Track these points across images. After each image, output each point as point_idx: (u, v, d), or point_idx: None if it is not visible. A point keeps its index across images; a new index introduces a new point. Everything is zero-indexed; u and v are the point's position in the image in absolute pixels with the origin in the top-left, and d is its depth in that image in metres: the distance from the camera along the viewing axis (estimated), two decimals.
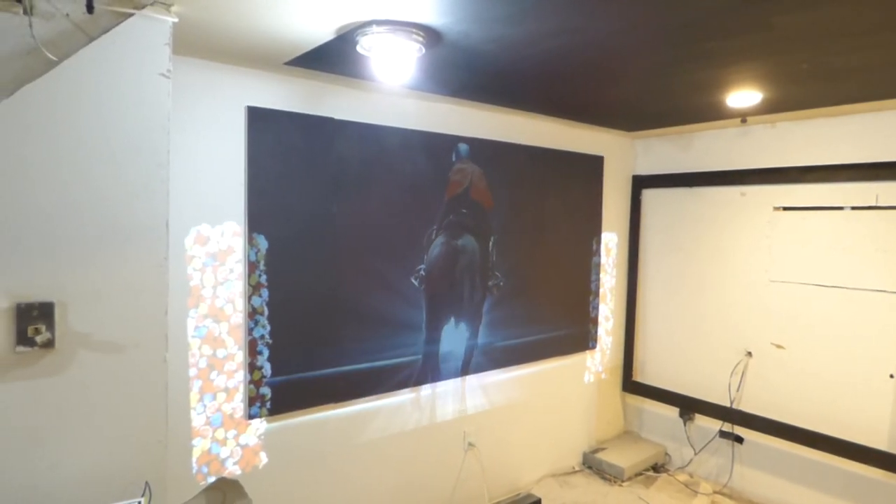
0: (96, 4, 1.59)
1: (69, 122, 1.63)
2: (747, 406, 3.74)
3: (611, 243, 4.33)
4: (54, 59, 1.58)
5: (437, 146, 3.17)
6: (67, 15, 1.60)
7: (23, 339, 1.57)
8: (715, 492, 3.82)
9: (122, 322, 1.74)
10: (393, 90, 2.93)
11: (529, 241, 3.71)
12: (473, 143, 3.34)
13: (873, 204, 3.19)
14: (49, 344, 1.60)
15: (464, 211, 3.32)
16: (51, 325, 1.60)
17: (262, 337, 2.61)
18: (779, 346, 3.60)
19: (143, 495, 1.76)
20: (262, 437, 2.66)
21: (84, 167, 1.66)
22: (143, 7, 1.71)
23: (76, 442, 1.68)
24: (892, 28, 1.95)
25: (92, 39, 1.65)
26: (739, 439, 3.81)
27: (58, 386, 1.64)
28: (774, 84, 2.70)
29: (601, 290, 4.25)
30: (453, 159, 3.26)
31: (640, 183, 4.38)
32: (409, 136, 3.06)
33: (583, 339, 4.13)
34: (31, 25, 1.54)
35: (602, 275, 4.25)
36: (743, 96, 2.89)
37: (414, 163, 3.09)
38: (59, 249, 1.63)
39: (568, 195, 3.92)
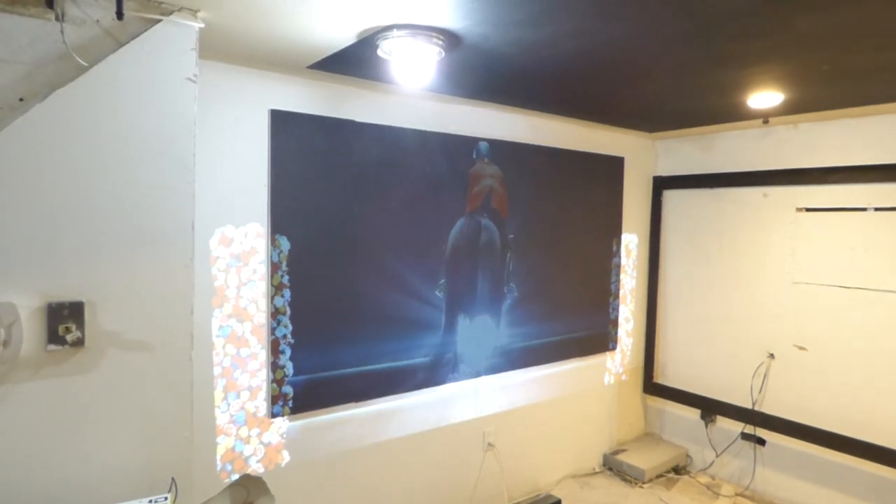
0: (125, 11, 1.63)
1: (98, 126, 1.68)
2: (769, 408, 3.69)
3: (631, 244, 4.30)
4: (85, 64, 1.63)
5: (457, 148, 3.19)
6: (98, 21, 1.64)
7: (54, 337, 1.61)
8: (737, 494, 3.78)
9: (150, 321, 1.78)
10: (413, 93, 2.95)
11: (549, 242, 3.70)
12: (493, 144, 3.34)
13: None
14: (79, 342, 1.65)
15: (485, 215, 3.34)
16: (81, 324, 1.65)
17: (285, 336, 2.64)
18: (801, 348, 3.55)
19: (169, 491, 1.80)
20: (285, 435, 2.69)
21: (112, 170, 1.70)
22: (171, 13, 1.75)
23: (106, 438, 1.72)
24: None
25: (121, 45, 1.69)
26: (762, 441, 3.76)
27: (88, 383, 1.69)
28: (796, 85, 2.67)
29: (621, 292, 4.23)
30: (474, 157, 3.27)
31: (661, 184, 4.35)
32: (429, 138, 3.07)
33: (603, 340, 4.11)
34: (62, 31, 1.59)
35: (622, 276, 4.22)
36: (764, 97, 2.86)
37: (434, 164, 3.10)
38: (88, 251, 1.67)
39: (588, 196, 3.91)
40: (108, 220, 1.70)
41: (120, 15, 1.61)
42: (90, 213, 1.67)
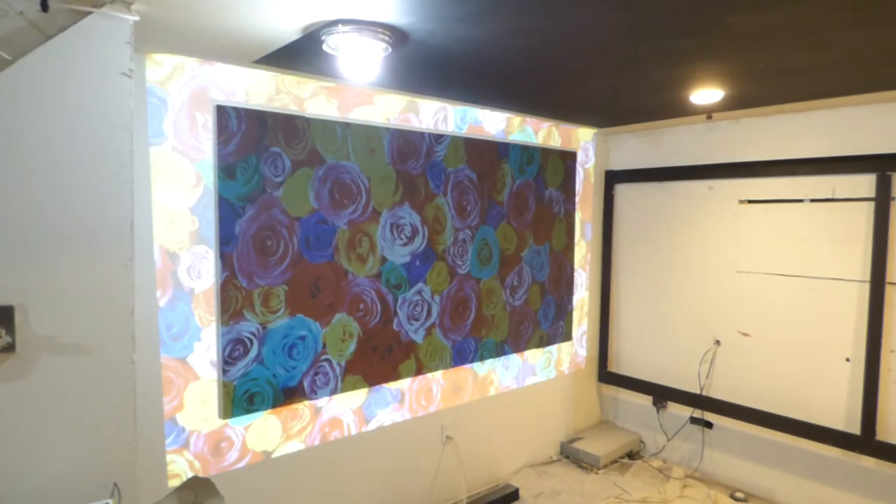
0: (51, 3, 1.56)
1: (27, 122, 1.61)
2: (716, 392, 3.83)
3: (585, 238, 4.38)
4: (8, 57, 1.56)
5: (409, 144, 3.18)
6: (22, 13, 1.57)
7: None
8: (687, 476, 3.91)
9: (87, 324, 1.72)
10: (363, 88, 2.92)
11: (503, 236, 3.74)
12: (445, 139, 3.35)
13: (830, 196, 3.29)
14: (9, 348, 1.58)
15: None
16: (11, 329, 1.58)
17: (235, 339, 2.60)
18: (745, 335, 3.70)
19: (112, 497, 1.75)
20: (236, 435, 2.65)
21: (44, 167, 1.64)
22: (102, 5, 1.69)
23: (42, 445, 1.67)
24: (841, 28, 2.01)
25: (49, 38, 1.62)
26: (709, 425, 3.91)
27: (20, 390, 1.62)
28: (734, 82, 2.76)
29: (575, 284, 4.31)
30: (426, 156, 3.27)
31: (613, 178, 4.44)
32: (380, 134, 3.06)
33: (558, 331, 4.18)
34: None
35: (577, 269, 4.30)
36: (706, 94, 2.95)
37: (385, 160, 3.09)
38: (18, 252, 1.61)
39: (541, 190, 3.96)
40: (41, 219, 1.63)
41: (45, 6, 1.54)
42: (20, 213, 1.60)
